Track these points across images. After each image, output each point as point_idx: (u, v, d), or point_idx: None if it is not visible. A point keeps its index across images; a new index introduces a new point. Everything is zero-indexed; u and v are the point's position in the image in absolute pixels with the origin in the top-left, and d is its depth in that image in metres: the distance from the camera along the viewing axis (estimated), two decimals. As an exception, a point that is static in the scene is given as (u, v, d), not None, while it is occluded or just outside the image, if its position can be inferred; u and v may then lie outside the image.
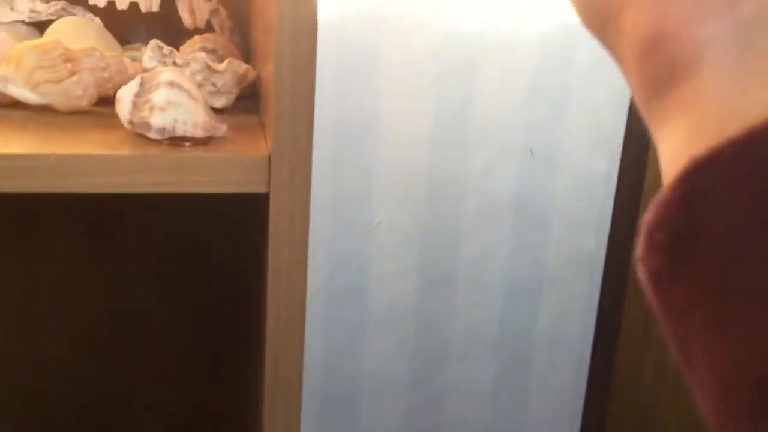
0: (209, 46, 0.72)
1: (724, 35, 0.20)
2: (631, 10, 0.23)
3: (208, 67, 0.66)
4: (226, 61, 0.66)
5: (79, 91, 0.62)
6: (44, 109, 0.62)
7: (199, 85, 0.65)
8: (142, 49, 0.69)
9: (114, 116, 0.58)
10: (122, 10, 0.73)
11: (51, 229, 0.93)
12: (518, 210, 1.13)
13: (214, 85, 0.67)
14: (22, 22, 0.74)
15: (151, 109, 0.55)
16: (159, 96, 0.56)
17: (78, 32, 0.70)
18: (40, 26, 0.73)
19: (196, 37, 0.72)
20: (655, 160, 1.08)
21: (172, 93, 0.56)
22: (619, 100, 1.10)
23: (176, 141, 0.56)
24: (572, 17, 1.10)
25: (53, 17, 0.73)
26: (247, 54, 0.79)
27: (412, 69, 1.04)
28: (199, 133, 0.56)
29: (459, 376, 1.18)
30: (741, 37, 0.20)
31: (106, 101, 0.64)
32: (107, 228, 0.94)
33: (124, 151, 0.55)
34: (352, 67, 1.02)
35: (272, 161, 0.55)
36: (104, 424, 1.00)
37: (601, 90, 1.10)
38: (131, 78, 0.61)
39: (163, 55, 0.65)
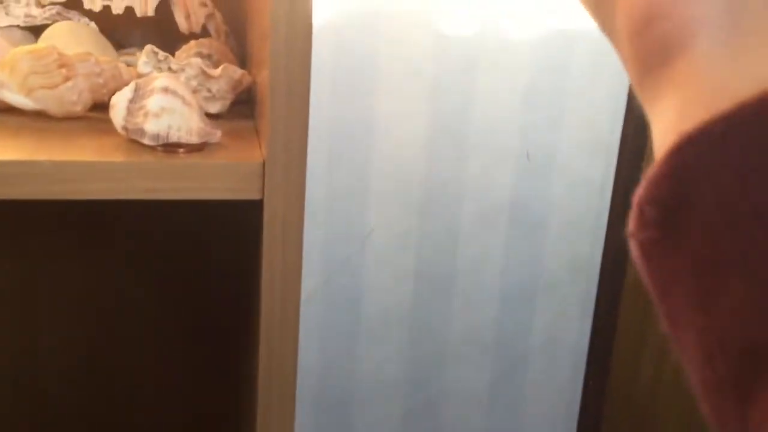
0: (205, 51, 0.72)
1: (715, 13, 0.21)
2: None
3: (204, 73, 0.66)
4: (221, 67, 0.66)
5: (73, 96, 0.62)
6: (38, 115, 0.62)
7: (194, 91, 0.65)
8: (138, 53, 0.69)
9: (108, 122, 0.58)
10: (118, 15, 0.73)
11: (50, 230, 0.93)
12: (515, 213, 1.13)
13: (209, 90, 0.67)
14: (17, 26, 0.73)
15: (146, 115, 0.55)
16: (153, 102, 0.56)
17: (73, 37, 0.70)
18: (36, 30, 0.73)
19: (192, 42, 0.72)
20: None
21: (166, 99, 0.56)
22: (616, 104, 1.10)
23: (170, 147, 0.56)
24: (569, 21, 1.10)
25: (48, 22, 0.73)
26: (242, 59, 0.79)
27: (408, 72, 1.04)
28: (193, 140, 0.56)
29: (456, 379, 1.19)
30: (731, 15, 0.21)
31: (100, 107, 0.64)
32: (105, 230, 0.94)
33: (119, 157, 0.55)
34: (349, 70, 1.02)
35: (266, 168, 0.55)
36: (103, 424, 1.00)
37: (598, 94, 1.10)
38: (126, 83, 0.61)
39: (159, 61, 0.65)
